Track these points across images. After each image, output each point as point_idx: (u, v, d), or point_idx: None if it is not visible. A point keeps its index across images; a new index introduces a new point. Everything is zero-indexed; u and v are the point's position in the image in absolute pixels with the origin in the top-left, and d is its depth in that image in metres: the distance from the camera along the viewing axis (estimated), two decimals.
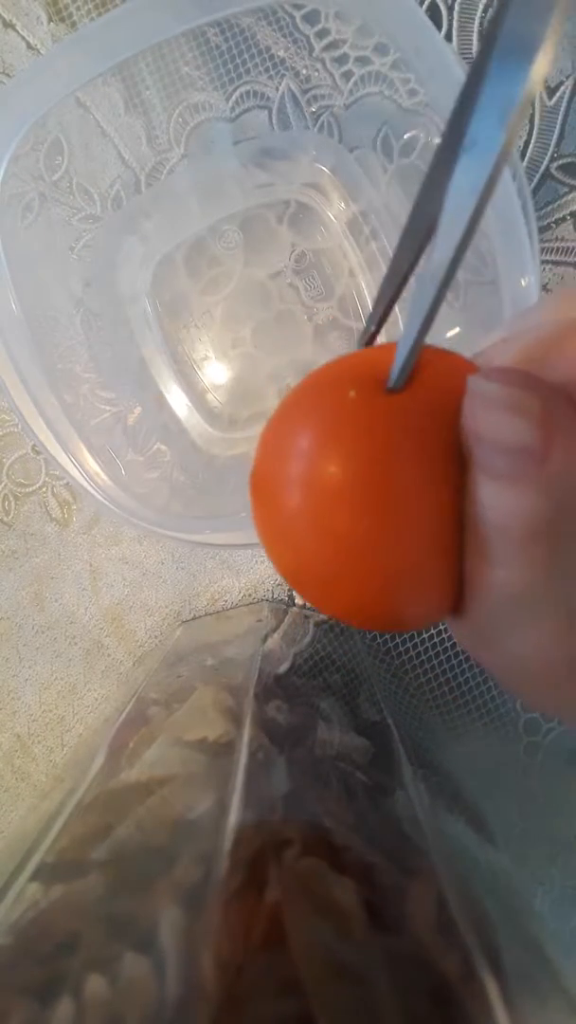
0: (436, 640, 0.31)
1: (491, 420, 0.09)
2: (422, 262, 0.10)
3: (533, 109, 0.26)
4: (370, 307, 0.15)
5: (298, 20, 0.25)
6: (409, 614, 0.12)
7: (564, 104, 0.26)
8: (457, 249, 0.09)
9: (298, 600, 0.32)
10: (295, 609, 0.31)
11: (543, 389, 0.09)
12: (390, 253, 0.22)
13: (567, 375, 0.09)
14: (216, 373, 0.30)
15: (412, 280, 0.11)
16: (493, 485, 0.09)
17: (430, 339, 0.11)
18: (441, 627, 0.31)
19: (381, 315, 0.13)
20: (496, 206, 0.20)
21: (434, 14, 0.26)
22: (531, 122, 0.26)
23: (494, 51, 0.08)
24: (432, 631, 0.31)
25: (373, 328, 0.13)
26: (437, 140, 0.21)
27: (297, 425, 0.11)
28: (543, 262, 0.27)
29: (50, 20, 0.27)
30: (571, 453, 0.09)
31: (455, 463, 0.10)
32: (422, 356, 0.11)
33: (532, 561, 0.09)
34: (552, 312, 0.10)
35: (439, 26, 0.26)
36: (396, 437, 0.10)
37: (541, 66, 0.08)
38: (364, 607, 0.12)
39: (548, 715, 0.14)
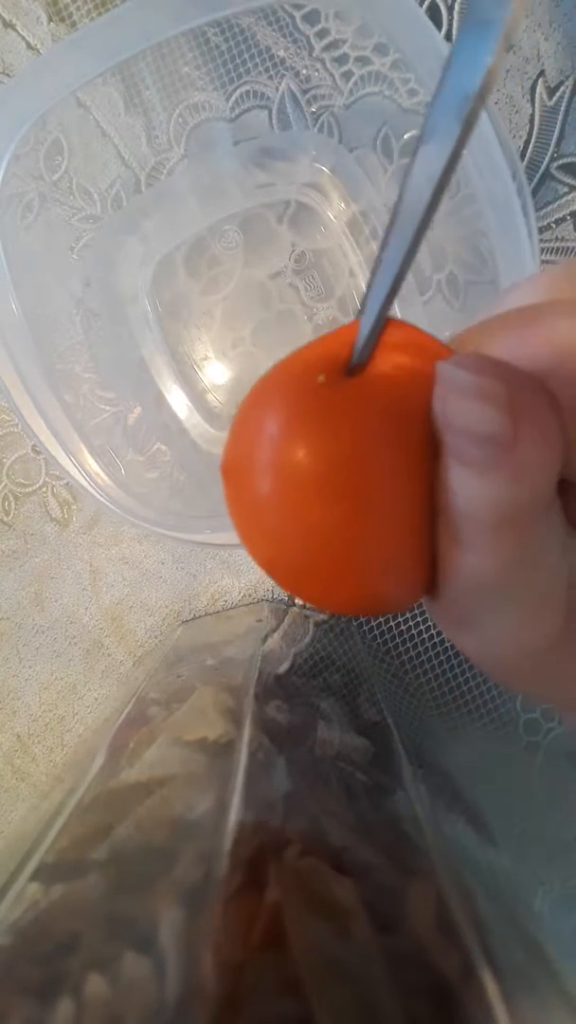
0: (436, 640, 0.31)
1: (460, 407, 0.09)
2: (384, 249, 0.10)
3: (533, 109, 0.26)
4: None
5: (298, 20, 0.25)
6: (384, 598, 0.12)
7: (564, 104, 0.26)
8: (413, 238, 0.10)
9: (298, 600, 0.32)
10: (295, 609, 0.31)
11: (512, 376, 0.09)
12: None
13: (542, 360, 0.09)
14: (216, 373, 0.30)
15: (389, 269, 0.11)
16: (463, 472, 0.09)
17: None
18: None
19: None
20: (496, 206, 0.20)
21: (434, 14, 0.26)
22: (531, 122, 0.26)
23: (455, 45, 0.08)
24: (433, 631, 0.31)
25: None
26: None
27: (265, 411, 0.11)
28: (543, 262, 0.27)
29: (50, 20, 0.27)
30: (540, 440, 0.09)
31: (427, 447, 0.10)
32: (394, 339, 0.11)
33: (501, 547, 0.09)
34: (531, 294, 0.10)
35: (439, 26, 0.26)
36: (365, 421, 0.10)
37: (496, 59, 0.08)
38: (338, 593, 0.12)
39: (532, 700, 0.14)
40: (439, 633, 0.31)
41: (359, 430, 0.10)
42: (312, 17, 0.25)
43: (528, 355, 0.09)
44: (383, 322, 0.10)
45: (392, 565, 0.11)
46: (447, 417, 0.09)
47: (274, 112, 0.26)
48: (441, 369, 0.09)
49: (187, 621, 0.33)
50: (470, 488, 0.09)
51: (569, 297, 0.10)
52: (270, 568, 0.12)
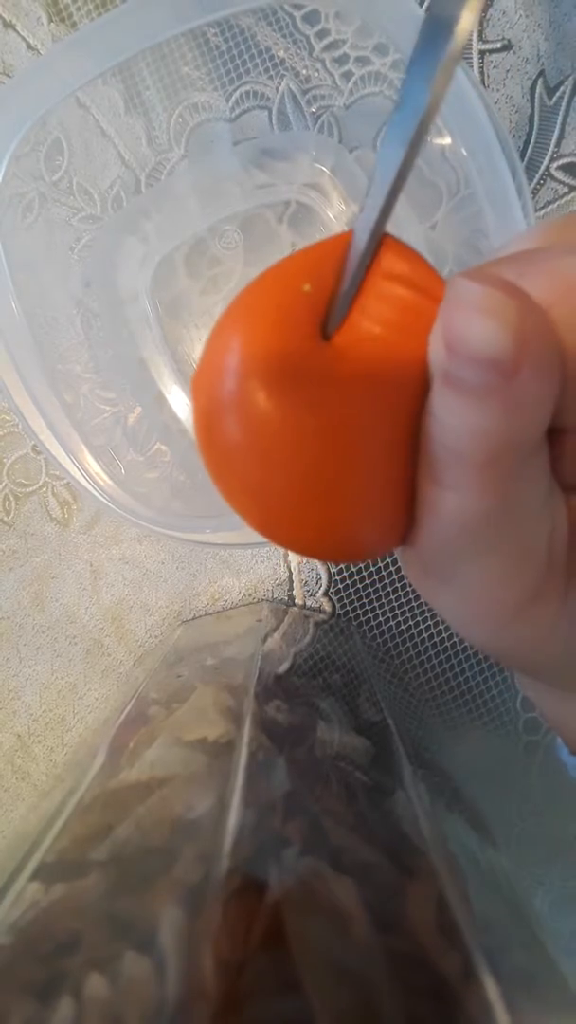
0: (436, 640, 0.31)
1: (465, 324, 0.08)
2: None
3: (533, 109, 0.26)
4: None
5: (298, 20, 0.25)
6: (358, 544, 0.11)
7: (564, 104, 0.26)
8: (384, 202, 0.09)
9: (298, 600, 0.32)
10: (295, 609, 0.31)
11: (525, 300, 0.08)
12: None
13: (543, 293, 0.09)
14: None
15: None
16: (456, 400, 0.09)
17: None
18: (442, 627, 0.31)
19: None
20: (495, 205, 0.20)
21: None
22: (531, 122, 0.26)
23: (427, 17, 0.08)
24: (433, 631, 0.31)
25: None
26: (437, 140, 0.21)
27: (241, 336, 0.10)
28: None
29: (50, 20, 0.27)
30: (541, 373, 0.08)
31: (410, 388, 0.09)
32: (386, 266, 0.10)
33: (487, 487, 0.09)
34: (529, 242, 0.10)
35: None
36: (347, 363, 0.10)
37: (463, 27, 0.08)
38: (309, 536, 0.11)
39: (504, 664, 0.14)
40: (439, 633, 0.31)
41: (339, 373, 0.10)
42: (312, 17, 0.25)
43: (529, 288, 0.09)
44: (360, 281, 0.10)
45: (368, 508, 0.10)
46: (451, 334, 0.09)
47: (274, 112, 0.26)
48: (453, 281, 0.09)
49: (187, 621, 0.33)
50: (461, 419, 0.09)
51: (571, 240, 0.10)
52: (236, 502, 0.11)
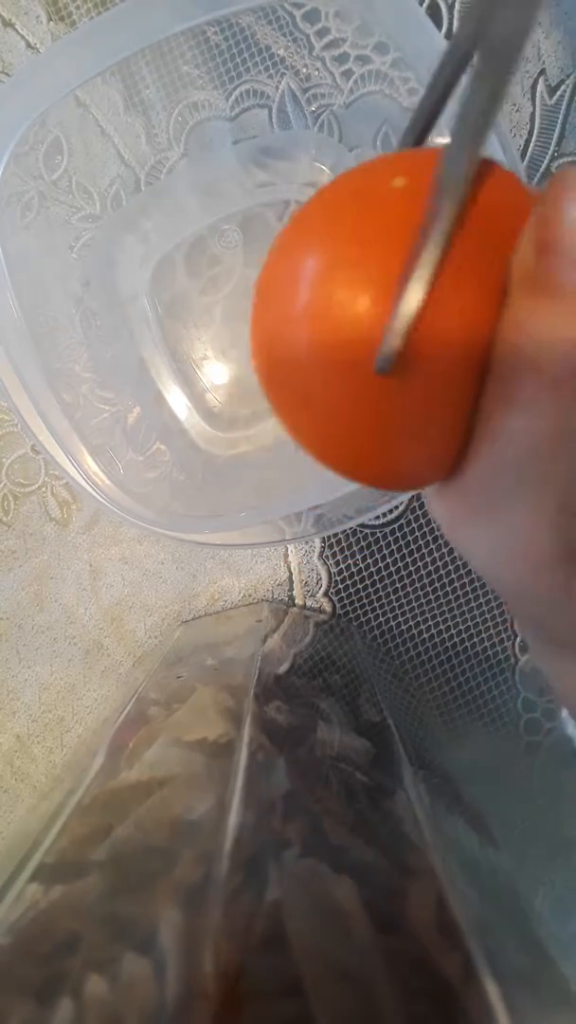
0: (437, 640, 0.31)
1: (570, 213, 0.08)
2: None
3: (534, 108, 0.26)
4: None
5: (298, 19, 0.25)
6: (404, 471, 0.11)
7: (565, 103, 0.26)
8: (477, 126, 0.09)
9: (298, 600, 0.32)
10: (295, 609, 0.31)
11: None
12: None
13: None
14: (216, 373, 0.30)
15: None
16: (546, 305, 0.08)
17: None
18: (442, 627, 0.31)
19: (423, 127, 0.11)
20: None
21: (434, 13, 0.25)
22: (532, 121, 0.26)
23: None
24: (434, 631, 0.31)
25: (412, 139, 0.11)
26: (438, 139, 0.21)
27: (322, 237, 0.09)
28: None
29: (50, 19, 0.27)
30: None
31: (491, 294, 0.09)
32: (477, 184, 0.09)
33: (560, 406, 0.09)
34: None
35: (439, 25, 0.26)
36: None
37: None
38: (359, 460, 0.11)
39: (525, 624, 0.13)
40: (440, 633, 0.31)
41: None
42: (312, 16, 0.25)
43: None
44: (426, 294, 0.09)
45: (424, 438, 0.10)
46: (554, 226, 0.08)
47: (274, 111, 0.26)
48: (561, 172, 0.08)
49: (187, 621, 0.33)
50: (547, 324, 0.08)
51: None
52: (289, 416, 0.11)
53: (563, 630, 0.11)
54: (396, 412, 0.10)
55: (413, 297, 0.09)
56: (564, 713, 0.30)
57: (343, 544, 0.31)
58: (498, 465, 0.10)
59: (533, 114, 0.26)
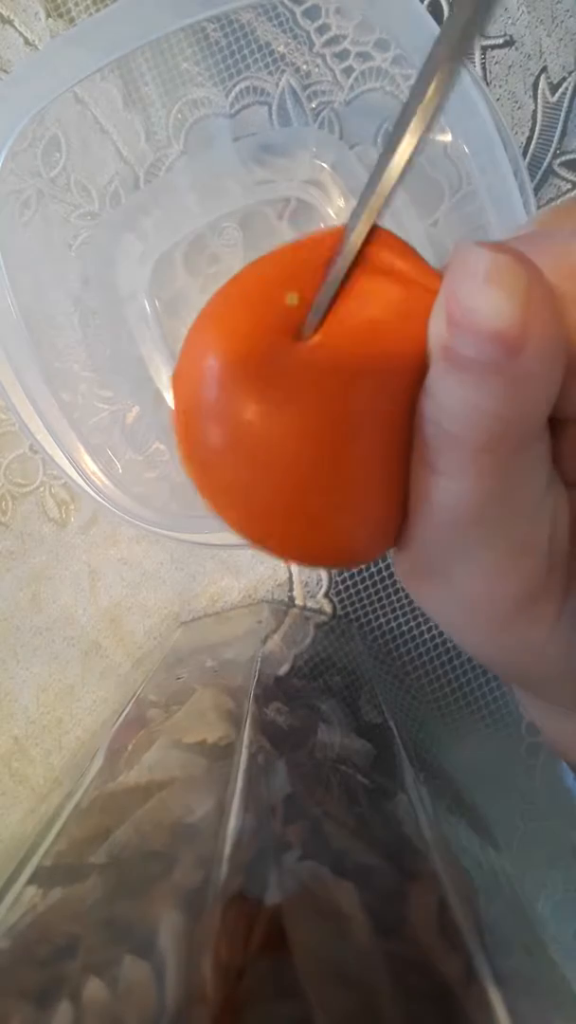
0: (438, 641, 0.31)
1: (469, 290, 0.08)
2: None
3: (535, 105, 0.26)
4: None
5: (298, 15, 0.25)
6: (348, 547, 0.11)
7: (567, 101, 0.26)
8: (374, 194, 0.09)
9: (298, 601, 0.32)
10: (295, 610, 0.31)
11: (534, 271, 0.08)
12: None
13: (551, 276, 0.08)
14: None
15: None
16: (456, 378, 0.08)
17: None
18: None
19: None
20: (498, 203, 0.19)
21: (435, 9, 0.25)
22: (533, 118, 0.26)
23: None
24: (435, 632, 0.31)
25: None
26: (438, 137, 0.21)
27: (216, 333, 0.09)
28: None
29: (48, 16, 0.27)
30: (546, 351, 0.08)
31: (403, 377, 0.09)
32: (373, 256, 0.09)
33: (484, 472, 0.09)
34: (539, 225, 0.10)
35: (440, 21, 0.25)
36: (331, 368, 0.09)
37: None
38: (298, 541, 0.10)
39: (496, 672, 0.13)
40: (441, 634, 0.31)
41: (324, 371, 0.09)
42: (312, 12, 0.24)
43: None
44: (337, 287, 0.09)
45: (360, 511, 0.10)
46: (454, 304, 0.08)
47: (274, 108, 0.26)
48: (459, 248, 0.08)
49: (186, 622, 0.33)
50: (460, 398, 0.08)
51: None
52: (224, 512, 0.11)
53: (539, 685, 0.11)
54: (323, 488, 0.10)
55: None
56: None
57: None
58: (433, 531, 0.10)
59: (535, 112, 0.26)
